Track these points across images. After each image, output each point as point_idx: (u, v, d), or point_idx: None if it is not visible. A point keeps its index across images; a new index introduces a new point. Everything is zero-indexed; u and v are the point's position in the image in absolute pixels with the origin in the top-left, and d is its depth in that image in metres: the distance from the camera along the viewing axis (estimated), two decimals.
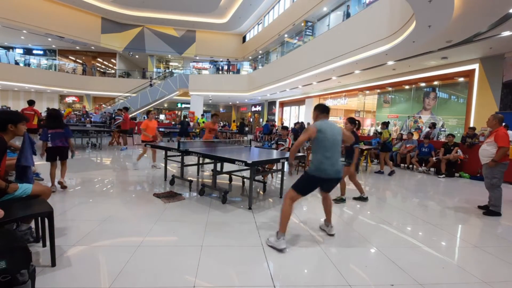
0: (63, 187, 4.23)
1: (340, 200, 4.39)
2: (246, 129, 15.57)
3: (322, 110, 3.01)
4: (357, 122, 4.50)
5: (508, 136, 3.99)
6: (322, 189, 3.00)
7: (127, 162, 7.60)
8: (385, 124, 7.78)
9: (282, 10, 17.23)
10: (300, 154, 5.42)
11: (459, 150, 7.44)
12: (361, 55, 9.10)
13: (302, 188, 2.81)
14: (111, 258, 2.32)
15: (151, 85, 21.27)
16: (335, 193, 3.90)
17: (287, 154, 4.64)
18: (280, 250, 2.59)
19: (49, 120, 4.25)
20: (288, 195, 2.79)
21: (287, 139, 6.32)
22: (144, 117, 21.12)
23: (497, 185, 4.05)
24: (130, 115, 18.66)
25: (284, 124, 10.33)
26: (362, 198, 4.54)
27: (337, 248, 2.74)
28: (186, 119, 14.02)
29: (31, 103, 8.68)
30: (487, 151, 4.11)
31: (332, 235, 3.03)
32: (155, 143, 5.90)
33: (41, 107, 20.53)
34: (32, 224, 2.55)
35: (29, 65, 20.46)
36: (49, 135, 4.10)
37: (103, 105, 21.93)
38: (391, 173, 7.15)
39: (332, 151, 2.78)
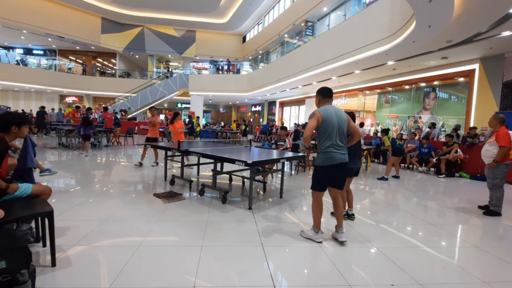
0: (86, 156, 7.66)
1: (349, 216, 3.57)
2: (247, 129, 15.81)
3: (324, 94, 2.75)
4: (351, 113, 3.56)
5: (509, 136, 3.98)
6: (332, 185, 2.78)
7: (127, 162, 7.59)
8: (385, 132, 7.29)
9: (282, 10, 17.23)
10: (300, 154, 5.43)
11: (459, 150, 7.43)
12: (361, 55, 9.10)
13: (318, 184, 2.74)
14: (111, 258, 2.32)
15: (167, 77, 21.98)
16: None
17: (287, 154, 4.64)
18: (319, 242, 2.76)
19: (83, 122, 8.11)
20: (312, 198, 2.80)
21: (286, 140, 6.32)
22: (143, 117, 21.22)
23: (499, 186, 4.05)
24: (130, 115, 18.75)
25: (284, 125, 10.25)
26: (347, 214, 3.57)
27: (337, 248, 2.73)
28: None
29: (77, 108, 12.82)
30: (489, 151, 4.11)
31: (343, 242, 2.77)
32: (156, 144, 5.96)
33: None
34: (32, 224, 2.55)
35: (26, 65, 20.44)
36: (82, 129, 8.04)
37: (103, 105, 21.95)
38: (396, 177, 6.79)
39: (339, 138, 2.64)
